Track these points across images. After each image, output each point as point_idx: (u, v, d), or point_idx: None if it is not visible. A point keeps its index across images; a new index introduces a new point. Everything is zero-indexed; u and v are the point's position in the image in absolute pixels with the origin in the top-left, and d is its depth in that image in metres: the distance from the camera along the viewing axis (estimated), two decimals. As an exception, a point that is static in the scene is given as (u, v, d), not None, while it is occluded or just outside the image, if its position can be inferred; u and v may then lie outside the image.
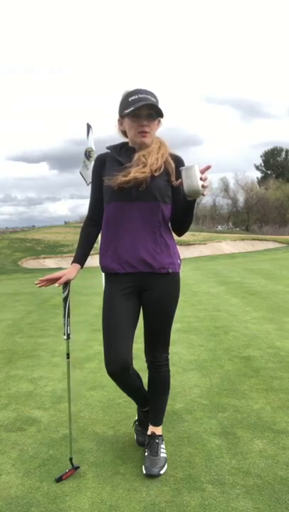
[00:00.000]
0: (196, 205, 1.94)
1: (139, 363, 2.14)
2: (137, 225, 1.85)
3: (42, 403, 2.77)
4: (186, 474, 1.91)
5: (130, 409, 2.56)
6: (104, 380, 3.04)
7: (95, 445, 2.20)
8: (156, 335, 1.99)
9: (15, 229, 53.73)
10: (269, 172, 65.86)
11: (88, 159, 6.34)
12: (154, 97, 1.84)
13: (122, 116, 1.88)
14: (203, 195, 1.74)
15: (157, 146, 1.88)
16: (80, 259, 1.98)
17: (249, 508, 1.66)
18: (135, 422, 2.25)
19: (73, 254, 2.00)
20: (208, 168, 1.74)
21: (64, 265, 20.26)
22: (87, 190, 2.63)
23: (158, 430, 2.07)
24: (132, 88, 1.84)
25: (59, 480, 1.89)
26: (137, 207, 1.84)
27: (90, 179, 2.10)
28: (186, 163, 1.85)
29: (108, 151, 1.97)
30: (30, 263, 23.14)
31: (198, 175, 1.70)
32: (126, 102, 1.82)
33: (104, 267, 1.94)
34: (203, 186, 1.72)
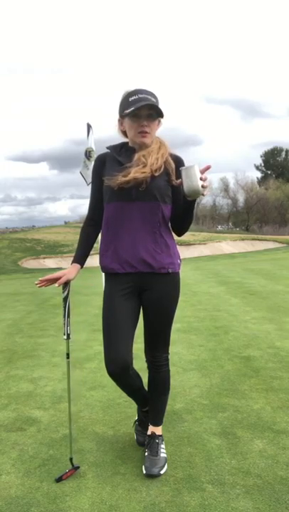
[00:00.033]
0: (196, 205, 1.94)
1: (139, 363, 2.14)
2: (137, 225, 1.85)
3: (42, 403, 2.77)
4: (186, 474, 1.91)
5: (130, 409, 2.56)
6: (104, 380, 3.04)
7: (95, 445, 2.21)
8: (156, 335, 1.99)
9: (15, 229, 53.74)
10: (269, 172, 65.86)
11: (88, 159, 6.34)
12: (154, 97, 1.84)
13: (122, 116, 1.88)
14: (203, 195, 1.75)
15: (157, 146, 1.88)
16: (80, 259, 1.99)
17: (249, 508, 1.66)
18: (135, 422, 2.25)
19: (73, 254, 2.00)
20: (207, 168, 1.74)
21: (64, 265, 20.26)
22: (87, 190, 2.63)
23: (158, 430, 2.07)
24: (132, 88, 1.84)
25: (59, 480, 1.89)
26: (137, 207, 1.84)
27: (90, 179, 2.10)
28: (186, 163, 1.85)
29: (108, 151, 1.97)
30: (30, 263, 23.14)
31: (198, 175, 1.71)
32: (126, 102, 1.82)
33: (104, 267, 1.94)
34: (203, 186, 1.72)
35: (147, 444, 2.04)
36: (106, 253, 1.92)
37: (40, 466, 2.03)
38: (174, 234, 2.00)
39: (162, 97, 1.89)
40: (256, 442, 2.15)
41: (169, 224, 1.96)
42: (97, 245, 2.01)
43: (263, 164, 67.25)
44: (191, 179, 1.71)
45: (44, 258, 24.72)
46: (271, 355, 3.54)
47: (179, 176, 1.80)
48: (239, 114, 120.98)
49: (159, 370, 2.02)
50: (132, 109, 1.77)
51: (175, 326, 2.17)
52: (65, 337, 1.98)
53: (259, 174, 66.52)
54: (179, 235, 2.02)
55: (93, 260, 2.25)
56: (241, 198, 56.69)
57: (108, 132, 2.11)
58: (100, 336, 2.00)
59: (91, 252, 2.02)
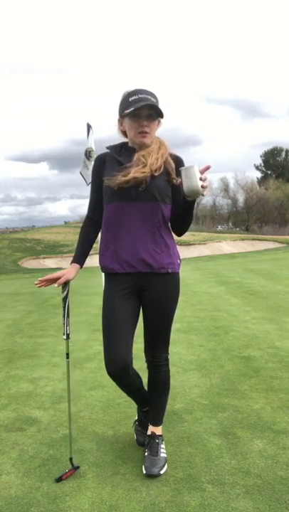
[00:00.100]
0: (196, 205, 1.94)
1: (139, 363, 2.14)
2: (137, 225, 1.85)
3: (42, 403, 2.77)
4: (186, 474, 1.91)
5: (130, 409, 2.56)
6: (104, 380, 3.04)
7: (95, 445, 2.21)
8: (156, 335, 1.99)
9: (15, 229, 53.74)
10: (269, 172, 65.86)
11: (88, 159, 6.34)
12: (154, 97, 1.84)
13: (122, 116, 1.88)
14: (203, 195, 1.75)
15: (157, 146, 1.88)
16: (80, 259, 1.98)
17: (249, 508, 1.66)
18: (135, 422, 2.25)
19: (73, 254, 2.00)
20: (207, 168, 1.74)
21: (64, 265, 20.25)
22: (87, 190, 2.63)
23: (158, 430, 2.07)
24: (132, 88, 1.84)
25: (59, 480, 1.89)
26: (137, 207, 1.84)
27: (90, 179, 2.10)
28: (186, 163, 1.85)
29: (108, 151, 1.97)
30: (30, 263, 23.15)
31: (198, 175, 1.71)
32: (126, 102, 1.82)
33: (104, 267, 1.94)
34: (202, 186, 1.72)
35: (147, 444, 2.04)
36: (106, 253, 1.92)
37: (40, 466, 2.03)
38: (173, 234, 2.00)
39: (162, 97, 1.89)
40: (256, 442, 2.15)
41: (169, 224, 1.96)
42: (96, 245, 2.01)
43: (262, 164, 67.30)
44: (191, 179, 1.71)
45: (44, 258, 24.73)
46: (271, 355, 3.54)
47: (178, 176, 1.80)
48: (239, 114, 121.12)
49: (159, 370, 2.02)
50: (132, 109, 1.77)
51: (175, 326, 2.17)
52: (65, 337, 1.98)
53: (259, 174, 66.64)
54: (179, 235, 2.02)
55: (93, 260, 2.25)
56: (241, 198, 56.78)
57: (108, 132, 2.11)
58: (100, 336, 2.00)
59: (91, 252, 2.02)
